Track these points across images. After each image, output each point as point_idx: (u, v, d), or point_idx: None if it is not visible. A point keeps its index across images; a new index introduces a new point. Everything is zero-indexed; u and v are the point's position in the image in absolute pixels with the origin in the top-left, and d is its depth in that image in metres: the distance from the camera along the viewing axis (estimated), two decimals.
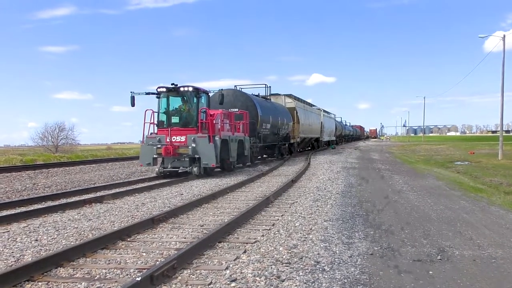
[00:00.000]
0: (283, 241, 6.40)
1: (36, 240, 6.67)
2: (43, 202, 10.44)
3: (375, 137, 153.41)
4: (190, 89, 16.27)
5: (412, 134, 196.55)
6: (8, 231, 7.32)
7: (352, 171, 18.75)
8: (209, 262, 5.44)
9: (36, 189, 13.35)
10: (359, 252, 5.93)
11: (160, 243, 6.44)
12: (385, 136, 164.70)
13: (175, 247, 6.20)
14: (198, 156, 15.92)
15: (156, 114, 16.66)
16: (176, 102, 16.88)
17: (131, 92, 16.41)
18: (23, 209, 9.41)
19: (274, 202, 10.05)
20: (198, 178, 15.76)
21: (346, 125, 79.03)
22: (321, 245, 6.18)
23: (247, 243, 6.33)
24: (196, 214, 8.77)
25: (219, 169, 18.12)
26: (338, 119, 67.48)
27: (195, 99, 16.57)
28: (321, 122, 43.16)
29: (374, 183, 14.44)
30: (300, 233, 6.90)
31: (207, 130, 16.27)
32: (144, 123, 16.33)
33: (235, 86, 25.14)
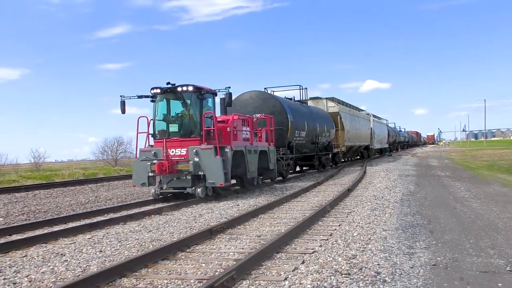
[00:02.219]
0: (341, 251, 6.30)
1: (101, 251, 6.93)
2: (106, 214, 10.86)
3: (432, 143, 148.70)
4: (191, 88, 12.98)
5: (473, 139, 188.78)
6: (75, 242, 7.67)
7: (410, 179, 18.22)
8: (268, 273, 5.44)
9: (99, 202, 13.90)
10: (421, 263, 5.74)
11: (219, 254, 6.51)
12: (444, 141, 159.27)
13: (233, 257, 6.25)
14: (202, 173, 12.68)
15: (152, 122, 13.69)
16: (174, 106, 13.71)
17: (120, 96, 13.40)
18: (87, 221, 9.83)
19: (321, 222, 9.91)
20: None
21: (400, 131, 76.81)
22: (381, 255, 6.04)
23: (305, 253, 6.28)
24: (253, 225, 8.83)
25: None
26: (391, 125, 65.72)
27: (198, 101, 13.31)
28: (371, 128, 39.96)
29: (434, 191, 13.96)
30: (359, 243, 6.77)
31: (215, 139, 13.04)
32: (137, 133, 13.50)
33: (265, 88, 21.81)
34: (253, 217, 9.57)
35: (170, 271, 5.70)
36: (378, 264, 5.63)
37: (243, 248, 6.80)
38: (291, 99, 22.29)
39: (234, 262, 5.74)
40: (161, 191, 13.12)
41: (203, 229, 8.07)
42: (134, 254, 6.63)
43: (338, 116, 28.22)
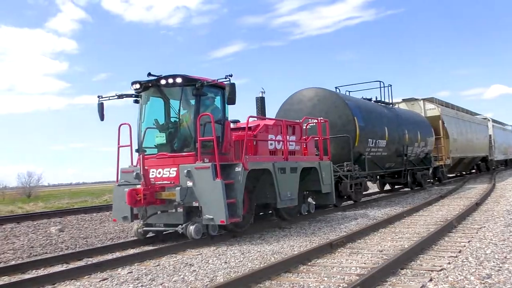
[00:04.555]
0: (473, 270, 5.87)
1: (226, 262, 7.20)
2: None
3: None
4: (179, 80, 9.17)
5: None
6: (201, 253, 8.08)
7: None
8: None
9: None
10: None
11: (340, 268, 6.44)
12: None
13: (355, 272, 6.15)
14: (197, 204, 8.83)
15: (137, 131, 9.93)
16: (161, 108, 9.83)
17: (98, 97, 9.98)
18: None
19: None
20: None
21: None
22: None
23: (432, 270, 5.96)
24: (374, 239, 8.61)
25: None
26: None
27: (192, 99, 9.46)
28: (490, 135, 33.50)
29: None
30: (493, 262, 6.26)
31: (222, 153, 9.31)
32: (118, 147, 9.80)
33: (335, 87, 17.23)
34: (373, 231, 9.35)
35: (293, 284, 5.75)
36: None
37: (365, 263, 6.67)
38: (370, 99, 18.27)
39: (357, 277, 5.64)
40: (144, 228, 9.44)
41: (323, 242, 8.06)
42: (257, 266, 6.79)
43: (440, 121, 23.10)
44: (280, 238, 9.25)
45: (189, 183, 8.81)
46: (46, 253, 9.34)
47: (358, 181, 14.72)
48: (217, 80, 9.23)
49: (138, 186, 9.02)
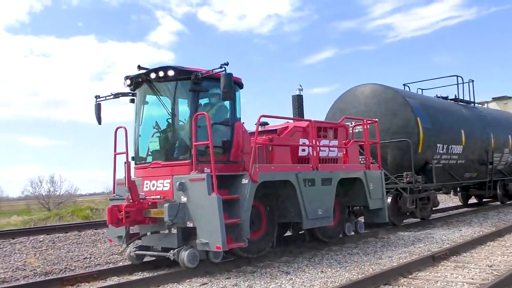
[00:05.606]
0: None
1: (322, 271, 7.06)
2: None
3: None
4: (171, 73, 7.49)
5: None
6: (297, 262, 7.92)
7: None
8: None
9: None
10: None
11: (445, 283, 6.07)
12: None
13: None
14: (193, 225, 7.13)
15: (134, 136, 8.36)
16: (157, 108, 8.15)
17: (95, 97, 8.43)
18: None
19: None
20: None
21: None
22: None
23: None
24: (481, 253, 8.07)
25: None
26: None
27: (189, 95, 7.74)
28: None
29: None
30: None
31: (229, 161, 7.78)
32: (115, 154, 8.36)
33: (403, 85, 14.92)
34: (480, 244, 8.80)
35: None
36: None
37: (472, 278, 6.26)
38: (446, 98, 15.47)
39: None
40: (136, 252, 7.87)
41: (424, 255, 7.76)
42: (354, 276, 6.59)
43: None
44: (377, 249, 8.91)
45: (183, 199, 7.16)
46: None
47: (424, 194, 12.26)
48: (212, 70, 7.41)
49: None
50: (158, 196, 7.45)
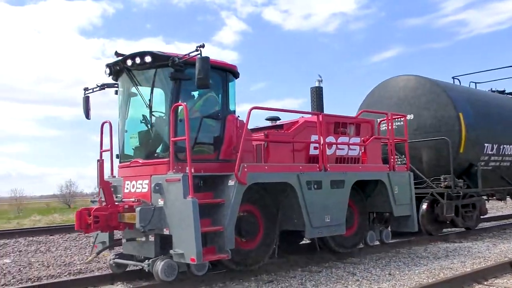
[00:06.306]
0: None
1: (390, 274, 7.07)
2: None
3: None
4: (148, 59, 6.61)
5: None
6: (364, 263, 7.98)
7: None
8: None
9: None
10: None
11: None
12: None
13: None
14: (168, 233, 6.31)
15: (119, 131, 7.65)
16: (138, 99, 7.24)
17: (84, 89, 7.85)
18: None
19: None
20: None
21: None
22: None
23: None
24: None
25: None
26: None
27: (169, 84, 6.80)
28: None
29: None
30: None
31: (218, 160, 6.95)
32: (101, 151, 7.78)
33: (452, 78, 13.62)
34: None
35: None
36: None
37: None
38: (503, 91, 14.04)
39: None
40: (115, 260, 7.14)
41: (500, 261, 7.51)
42: (424, 280, 6.49)
43: None
44: (448, 253, 8.73)
45: (161, 202, 6.36)
46: None
47: (468, 201, 11.06)
48: (188, 54, 6.46)
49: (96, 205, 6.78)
50: (132, 199, 6.62)
